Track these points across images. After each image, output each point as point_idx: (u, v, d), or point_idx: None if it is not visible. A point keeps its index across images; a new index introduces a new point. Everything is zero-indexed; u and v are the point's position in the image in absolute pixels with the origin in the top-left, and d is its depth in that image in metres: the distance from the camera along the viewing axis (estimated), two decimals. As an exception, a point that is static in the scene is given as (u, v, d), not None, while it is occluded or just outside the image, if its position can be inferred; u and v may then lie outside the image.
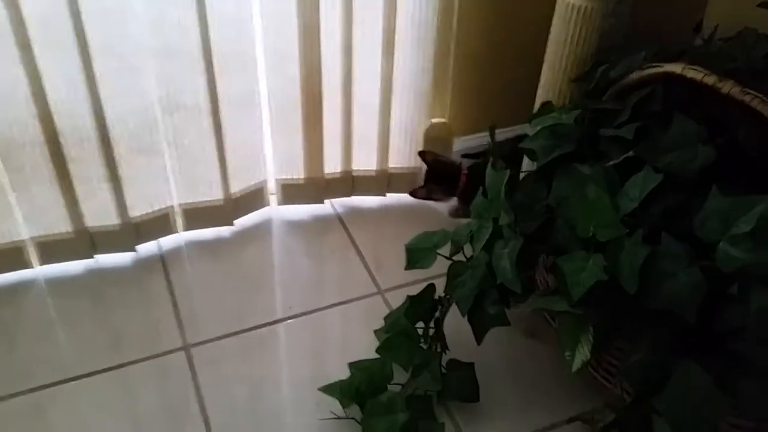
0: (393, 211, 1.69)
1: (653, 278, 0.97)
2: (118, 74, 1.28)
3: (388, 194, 1.70)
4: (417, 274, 1.29)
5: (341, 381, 1.25)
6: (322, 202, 1.65)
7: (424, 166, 1.63)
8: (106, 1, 1.20)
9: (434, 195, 1.64)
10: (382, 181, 1.66)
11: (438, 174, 1.61)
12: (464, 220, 1.29)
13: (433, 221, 1.63)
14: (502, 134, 1.72)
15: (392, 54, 1.46)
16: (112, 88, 1.29)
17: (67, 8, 1.18)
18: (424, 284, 1.46)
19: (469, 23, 1.53)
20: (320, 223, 1.64)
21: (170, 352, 1.34)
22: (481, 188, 1.22)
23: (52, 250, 1.44)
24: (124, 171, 1.40)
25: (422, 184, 1.64)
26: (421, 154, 1.61)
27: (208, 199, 1.52)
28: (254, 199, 1.59)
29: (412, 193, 1.64)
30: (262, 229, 1.62)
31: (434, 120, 1.63)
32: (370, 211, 1.68)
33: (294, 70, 1.41)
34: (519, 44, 1.62)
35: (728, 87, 1.02)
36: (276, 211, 1.65)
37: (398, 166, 1.66)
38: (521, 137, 1.24)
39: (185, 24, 1.27)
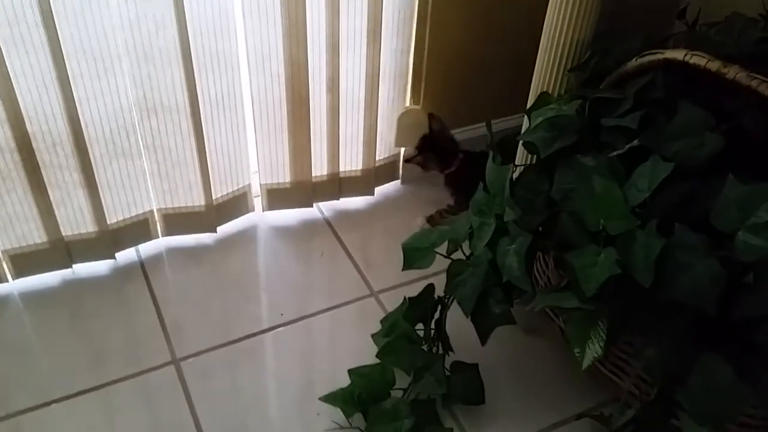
0: (380, 210, 1.64)
1: (669, 270, 0.94)
2: (93, 75, 1.21)
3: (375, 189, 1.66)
4: (410, 273, 1.25)
5: (342, 389, 1.20)
6: (311, 206, 1.60)
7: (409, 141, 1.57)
8: (79, -3, 1.13)
9: (429, 165, 1.56)
10: (370, 178, 1.61)
11: (437, 145, 1.53)
12: (441, 227, 1.26)
13: (421, 215, 1.59)
14: (476, 130, 1.71)
15: (379, 45, 1.41)
16: (86, 89, 1.22)
17: (38, 5, 1.10)
18: (418, 284, 1.43)
19: (449, 12, 1.49)
20: (307, 226, 1.58)
21: (158, 367, 1.28)
22: (481, 183, 1.18)
23: (26, 262, 1.36)
24: (100, 176, 1.33)
25: (417, 149, 1.56)
26: (431, 117, 1.52)
27: (189, 204, 1.45)
28: (238, 204, 1.53)
29: (407, 159, 1.58)
30: (247, 235, 1.55)
31: (409, 106, 1.60)
32: (357, 211, 1.63)
33: (278, 68, 1.35)
34: (501, 34, 1.59)
35: (733, 72, 1.00)
36: (261, 216, 1.59)
37: (382, 157, 1.62)
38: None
39: (162, 21, 1.20)
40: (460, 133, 1.68)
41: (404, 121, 1.59)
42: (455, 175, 1.54)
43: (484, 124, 1.68)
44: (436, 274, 1.30)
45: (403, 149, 1.64)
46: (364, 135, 1.53)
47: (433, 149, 1.54)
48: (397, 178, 1.68)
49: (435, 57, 1.55)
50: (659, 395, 0.95)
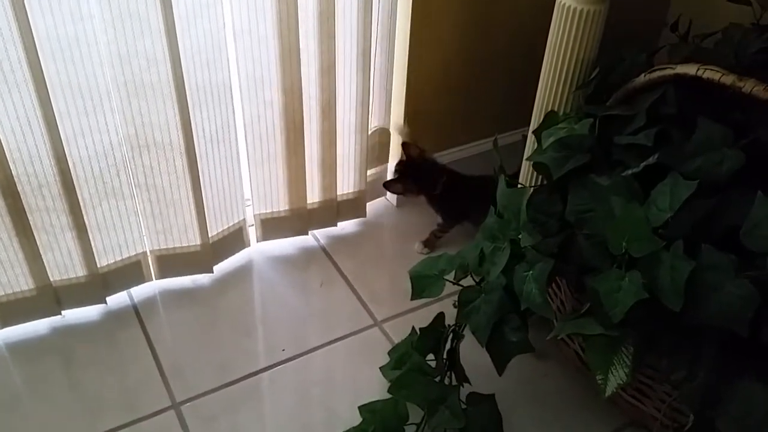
0: (375, 234, 1.60)
1: (697, 292, 0.91)
2: (80, 112, 1.15)
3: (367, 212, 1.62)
4: (413, 300, 1.21)
5: (354, 428, 1.15)
6: (307, 234, 1.55)
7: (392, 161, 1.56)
8: (65, 31, 1.07)
9: (409, 191, 1.53)
10: (362, 201, 1.57)
11: (418, 171, 1.51)
12: (435, 253, 1.21)
13: (416, 237, 1.56)
14: (464, 150, 1.69)
15: (369, 68, 1.38)
16: (74, 127, 1.16)
17: (20, 40, 1.04)
18: (422, 311, 1.39)
19: (434, 34, 1.48)
20: (303, 255, 1.53)
21: (158, 412, 1.21)
22: (492, 208, 1.14)
23: (13, 311, 1.29)
24: (89, 217, 1.27)
25: (395, 176, 1.53)
26: (405, 145, 1.50)
27: (184, 244, 1.39)
28: (234, 240, 1.47)
29: (386, 186, 1.54)
30: (242, 269, 1.49)
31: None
32: (352, 236, 1.59)
33: (272, 96, 1.30)
34: (488, 54, 1.58)
35: (750, 86, 0.97)
36: (256, 249, 1.53)
37: (373, 179, 1.59)
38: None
39: (154, 56, 1.14)
40: (449, 154, 1.67)
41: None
42: (440, 196, 1.52)
43: (469, 145, 1.69)
44: (439, 299, 1.26)
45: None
46: (356, 157, 1.49)
47: (412, 175, 1.51)
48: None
49: (419, 78, 1.53)
50: (697, 423, 0.92)
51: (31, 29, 1.04)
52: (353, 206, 1.57)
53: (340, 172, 1.51)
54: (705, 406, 0.92)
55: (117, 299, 1.40)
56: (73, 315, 1.36)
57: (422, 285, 1.21)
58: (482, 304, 1.13)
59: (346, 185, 1.53)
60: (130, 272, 1.37)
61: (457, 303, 1.18)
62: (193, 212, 1.34)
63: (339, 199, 1.54)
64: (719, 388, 0.91)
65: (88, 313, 1.37)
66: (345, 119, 1.43)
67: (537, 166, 1.14)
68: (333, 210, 1.53)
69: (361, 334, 1.38)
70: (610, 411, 1.22)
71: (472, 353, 1.16)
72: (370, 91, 1.42)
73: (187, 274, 1.43)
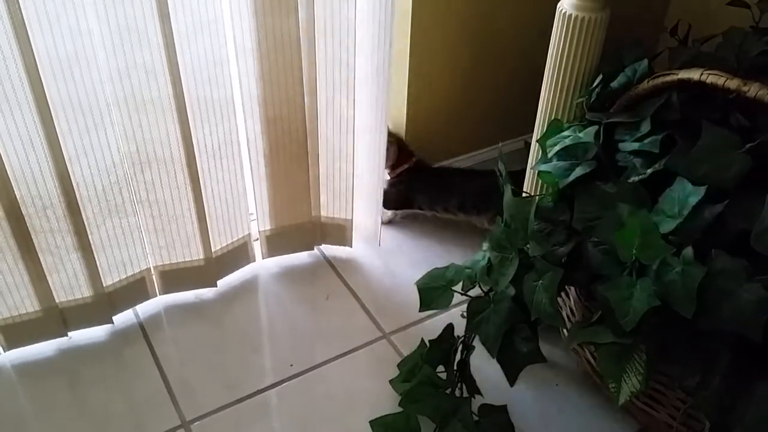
0: (382, 245, 1.59)
1: (709, 298, 0.91)
2: (82, 130, 1.15)
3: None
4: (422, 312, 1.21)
5: (366, 443, 1.15)
6: (312, 249, 1.54)
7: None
8: (65, 48, 1.07)
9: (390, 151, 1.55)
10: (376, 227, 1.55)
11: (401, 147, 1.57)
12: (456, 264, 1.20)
13: (419, 248, 1.56)
14: (466, 160, 1.69)
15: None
16: (76, 145, 1.15)
17: (21, 60, 1.03)
18: (430, 321, 1.39)
19: (431, 39, 1.47)
20: (309, 268, 1.53)
21: (168, 433, 1.20)
22: (499, 218, 1.14)
23: (19, 332, 1.28)
24: (93, 237, 1.26)
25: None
26: (390, 135, 1.52)
27: (188, 259, 1.38)
28: (238, 255, 1.46)
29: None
30: (248, 284, 1.48)
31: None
32: (357, 247, 1.58)
33: (274, 110, 1.30)
34: (490, 62, 1.58)
35: (755, 90, 0.97)
36: (261, 263, 1.52)
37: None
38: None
39: (153, 70, 1.14)
40: (450, 164, 1.67)
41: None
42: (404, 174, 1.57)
43: (470, 154, 1.69)
44: (447, 309, 1.26)
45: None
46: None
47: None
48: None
49: (419, 88, 1.53)
50: (713, 430, 0.91)
51: (31, 48, 1.03)
52: (366, 231, 1.56)
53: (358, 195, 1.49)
54: (721, 413, 0.91)
55: (123, 318, 1.39)
56: (80, 335, 1.35)
57: (430, 296, 1.21)
58: (491, 314, 1.13)
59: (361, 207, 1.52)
60: (135, 289, 1.36)
61: (466, 314, 1.17)
62: (196, 226, 1.34)
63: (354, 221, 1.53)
64: (734, 394, 0.90)
65: (95, 333, 1.36)
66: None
67: (542, 175, 1.13)
68: (341, 229, 1.51)
69: (370, 347, 1.37)
70: (623, 418, 1.21)
71: (483, 364, 1.16)
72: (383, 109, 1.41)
73: (190, 289, 1.43)
